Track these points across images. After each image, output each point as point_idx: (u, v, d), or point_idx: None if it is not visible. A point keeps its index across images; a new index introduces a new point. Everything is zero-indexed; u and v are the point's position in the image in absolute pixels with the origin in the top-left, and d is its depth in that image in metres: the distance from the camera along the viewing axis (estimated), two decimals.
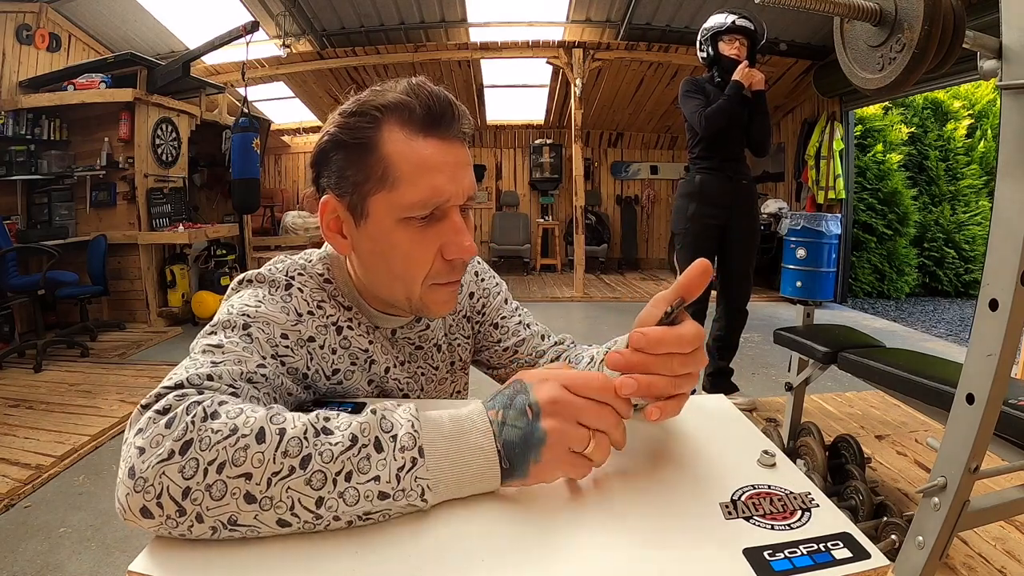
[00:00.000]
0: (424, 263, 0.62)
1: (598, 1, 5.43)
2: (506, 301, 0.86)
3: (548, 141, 7.63)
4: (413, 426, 0.44)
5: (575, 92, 5.88)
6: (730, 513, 0.45)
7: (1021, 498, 1.11)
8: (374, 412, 0.45)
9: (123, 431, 0.45)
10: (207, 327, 0.58)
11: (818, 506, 0.46)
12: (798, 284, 5.46)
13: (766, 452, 0.52)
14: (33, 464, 2.27)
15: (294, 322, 0.61)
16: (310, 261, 0.69)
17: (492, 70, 6.66)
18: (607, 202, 8.18)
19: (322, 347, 0.64)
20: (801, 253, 5.38)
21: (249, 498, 0.40)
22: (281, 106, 7.39)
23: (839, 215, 5.46)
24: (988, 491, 1.12)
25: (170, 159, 4.91)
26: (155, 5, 5.14)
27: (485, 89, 7.04)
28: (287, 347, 0.60)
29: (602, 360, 0.67)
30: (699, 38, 2.74)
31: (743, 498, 0.46)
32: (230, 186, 5.07)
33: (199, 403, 0.44)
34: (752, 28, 2.61)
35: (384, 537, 0.42)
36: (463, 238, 0.61)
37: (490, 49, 5.98)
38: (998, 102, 5.74)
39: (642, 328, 0.50)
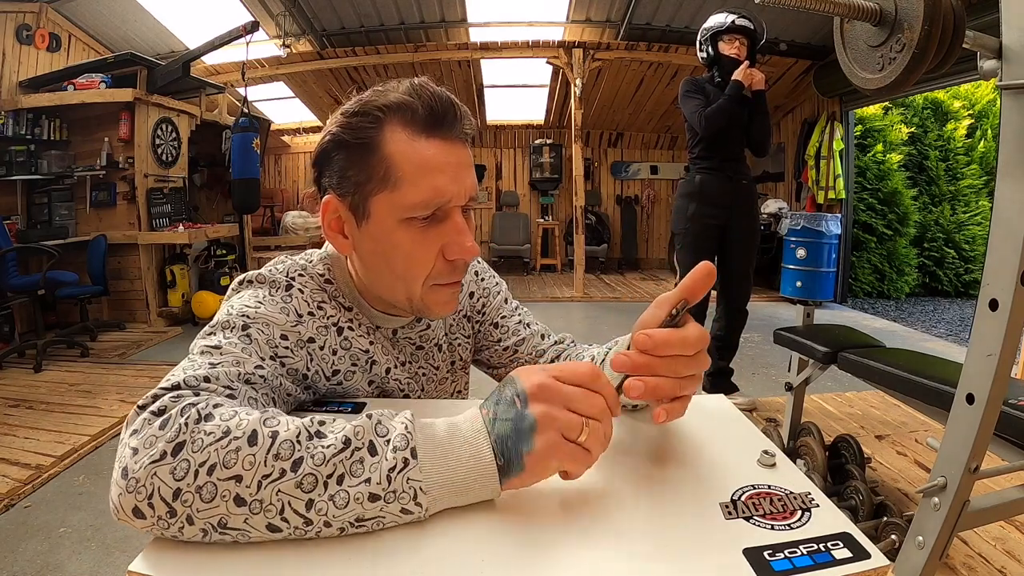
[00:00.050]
0: (426, 264, 0.62)
1: (598, 1, 5.43)
2: (506, 300, 0.86)
3: (548, 141, 7.63)
4: (407, 428, 0.44)
5: (575, 92, 5.88)
6: (730, 513, 0.45)
7: (1021, 498, 1.11)
8: (370, 417, 0.45)
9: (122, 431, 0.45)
10: (207, 328, 0.58)
11: (818, 506, 0.46)
12: (798, 284, 5.46)
13: (766, 452, 0.53)
14: (33, 464, 2.27)
15: (294, 323, 0.61)
16: (311, 261, 0.69)
17: (492, 70, 6.66)
18: (607, 202, 8.18)
19: (322, 348, 0.63)
20: (801, 253, 5.38)
21: (239, 501, 0.40)
22: (281, 106, 7.39)
23: (839, 215, 5.46)
24: (988, 491, 1.12)
25: (170, 159, 4.91)
26: (155, 5, 5.14)
27: (485, 89, 7.04)
28: (287, 348, 0.60)
29: (603, 360, 0.67)
30: (699, 38, 2.74)
31: (743, 498, 0.46)
32: (230, 186, 5.07)
33: (194, 405, 0.44)
34: (752, 28, 2.61)
35: (382, 545, 0.41)
36: (465, 239, 0.61)
37: (490, 49, 5.98)
38: (998, 102, 5.74)
39: (647, 330, 0.49)
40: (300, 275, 0.66)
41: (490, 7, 5.66)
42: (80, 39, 5.09)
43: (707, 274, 0.50)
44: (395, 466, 0.42)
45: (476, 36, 6.02)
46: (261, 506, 0.40)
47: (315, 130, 7.85)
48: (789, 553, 0.40)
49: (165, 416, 0.43)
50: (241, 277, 0.66)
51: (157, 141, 4.75)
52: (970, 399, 0.94)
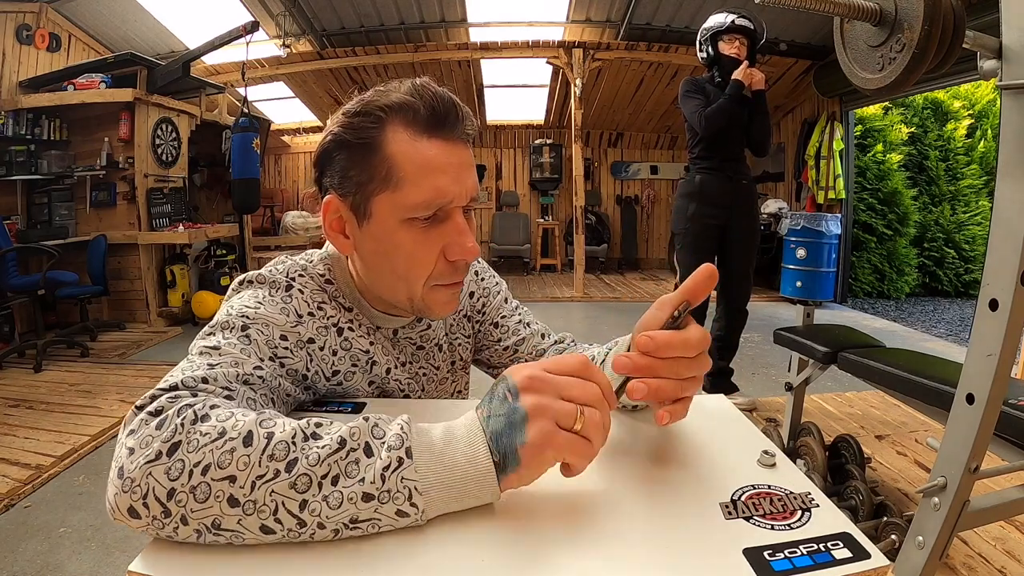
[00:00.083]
0: (427, 264, 0.62)
1: (598, 1, 5.43)
2: (506, 300, 0.86)
3: (548, 141, 7.63)
4: (402, 429, 0.43)
5: (575, 92, 5.88)
6: (730, 513, 0.45)
7: (1021, 498, 1.11)
8: (367, 419, 0.44)
9: None
10: (206, 328, 0.58)
11: (818, 506, 0.46)
12: (798, 284, 5.46)
13: (766, 452, 0.53)
14: (33, 464, 2.27)
15: (294, 323, 0.61)
16: (311, 262, 0.69)
17: (492, 70, 6.66)
18: (607, 202, 8.18)
19: (322, 349, 0.63)
20: (801, 253, 5.38)
21: (232, 501, 0.39)
22: (281, 106, 7.39)
23: (839, 215, 5.46)
24: (988, 491, 1.12)
25: (170, 159, 4.91)
26: (155, 5, 5.14)
27: (485, 89, 7.04)
28: (286, 348, 0.60)
29: (603, 360, 0.67)
30: (699, 38, 2.74)
31: (743, 498, 0.46)
32: (230, 186, 5.07)
33: (190, 406, 0.44)
34: (752, 28, 2.62)
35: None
36: (466, 239, 0.61)
37: (490, 49, 5.98)
38: (998, 102, 5.74)
39: (648, 332, 0.49)
40: (300, 275, 0.66)
41: (490, 7, 5.66)
42: (80, 39, 5.09)
43: (709, 276, 0.50)
44: (389, 465, 0.41)
45: (476, 36, 6.02)
46: (255, 507, 0.39)
47: (315, 130, 7.85)
48: (789, 553, 0.40)
49: (162, 416, 0.43)
50: (241, 277, 0.66)
51: (157, 141, 4.75)
52: (970, 399, 0.94)
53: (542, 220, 7.87)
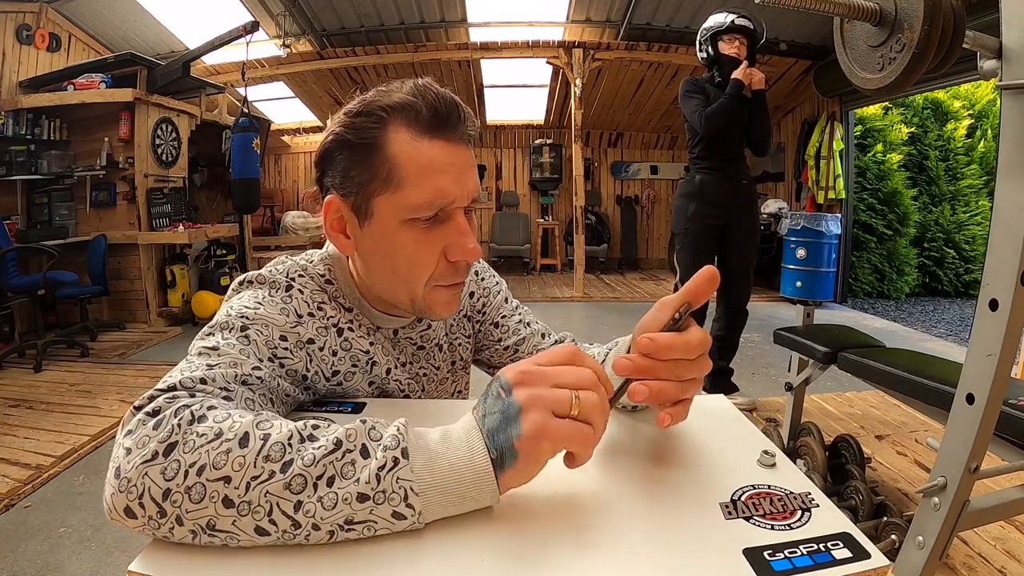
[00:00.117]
0: (428, 264, 0.62)
1: (598, 1, 5.43)
2: (506, 300, 0.86)
3: (548, 141, 7.63)
4: (399, 430, 0.43)
5: (575, 92, 5.89)
6: (730, 513, 0.45)
7: (1021, 498, 1.11)
8: (364, 422, 0.44)
9: None
10: (205, 328, 0.58)
11: (818, 506, 0.46)
12: (798, 284, 5.46)
13: (766, 452, 0.53)
14: (33, 464, 2.27)
15: (293, 324, 0.61)
16: (311, 262, 0.69)
17: (492, 70, 6.66)
18: (607, 202, 8.18)
19: (322, 349, 0.63)
20: (801, 253, 5.38)
21: (227, 502, 0.39)
22: (281, 106, 7.39)
23: (839, 215, 5.46)
24: (988, 491, 1.12)
25: (170, 159, 4.91)
26: (155, 5, 5.14)
27: (485, 89, 7.04)
28: (286, 349, 0.60)
29: (603, 360, 0.67)
30: (699, 38, 2.74)
31: (743, 498, 0.46)
32: (230, 186, 5.07)
33: (188, 407, 0.44)
34: (752, 28, 2.62)
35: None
36: (467, 240, 0.61)
37: (490, 49, 5.98)
38: (998, 102, 5.74)
39: (650, 334, 0.49)
40: (300, 276, 0.66)
41: (490, 7, 5.66)
42: (80, 39, 5.09)
43: (710, 278, 0.50)
44: (384, 465, 0.41)
45: (476, 36, 6.02)
46: (249, 508, 0.39)
47: (315, 130, 7.85)
48: (789, 553, 0.40)
49: (159, 417, 0.43)
50: (241, 278, 0.66)
51: (157, 141, 4.75)
52: (970, 399, 0.94)
53: (542, 220, 7.87)
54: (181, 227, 4.81)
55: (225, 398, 0.49)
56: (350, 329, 0.67)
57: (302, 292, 0.65)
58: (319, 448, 0.41)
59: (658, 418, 0.50)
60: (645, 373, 0.49)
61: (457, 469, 0.42)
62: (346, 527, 0.40)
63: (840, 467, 1.91)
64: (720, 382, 2.82)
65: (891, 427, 2.60)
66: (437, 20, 5.74)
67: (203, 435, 0.41)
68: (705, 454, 0.55)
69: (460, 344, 0.82)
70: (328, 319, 0.65)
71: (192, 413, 0.43)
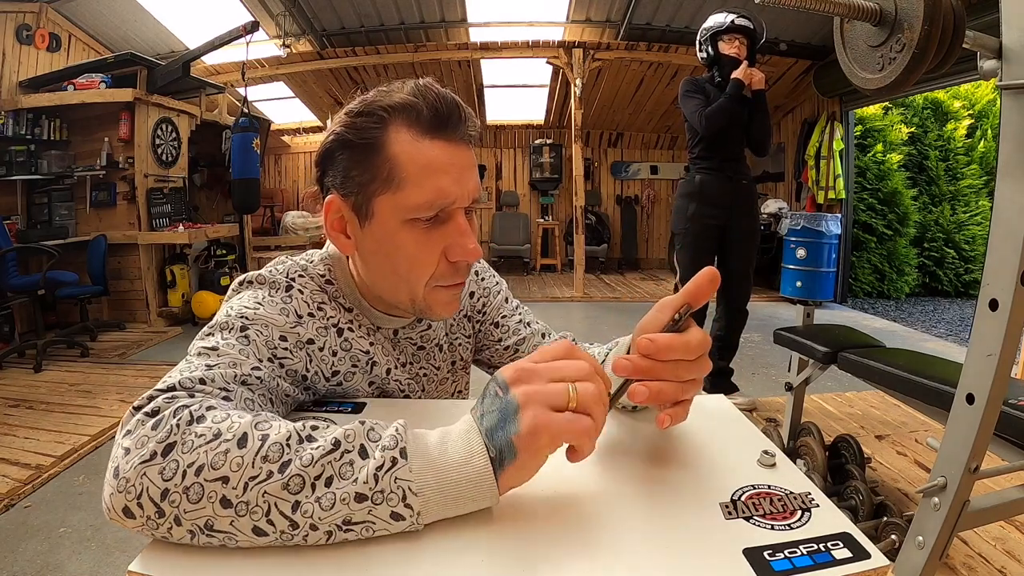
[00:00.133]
0: (428, 265, 0.62)
1: (598, 1, 5.43)
2: (506, 300, 0.86)
3: (548, 141, 7.63)
4: (397, 431, 0.43)
5: (575, 92, 5.89)
6: (730, 513, 0.45)
7: (1021, 498, 1.11)
8: (363, 423, 0.44)
9: None
10: (205, 328, 0.58)
11: (818, 506, 0.46)
12: (798, 284, 5.46)
13: (766, 452, 0.52)
14: (33, 464, 2.27)
15: (293, 324, 0.61)
16: (312, 262, 0.69)
17: (492, 70, 6.66)
18: (607, 202, 8.18)
19: (322, 349, 0.63)
20: (801, 253, 5.39)
21: (225, 502, 0.39)
22: (281, 106, 7.39)
23: (839, 215, 5.46)
24: (988, 491, 1.12)
25: (170, 159, 4.92)
26: (155, 5, 5.14)
27: (485, 89, 7.04)
28: (286, 349, 0.60)
29: (603, 360, 0.67)
30: (699, 38, 2.74)
31: (743, 498, 0.46)
32: (230, 186, 5.07)
33: (187, 407, 0.44)
34: (752, 27, 2.62)
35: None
36: (468, 240, 0.61)
37: (490, 49, 5.98)
38: (998, 102, 5.74)
39: (649, 335, 0.49)
40: (300, 276, 0.66)
41: (490, 7, 5.66)
42: (80, 39, 5.09)
43: (710, 280, 0.50)
44: (383, 465, 0.40)
45: (476, 36, 6.02)
46: (247, 508, 0.39)
47: (315, 130, 7.85)
48: (789, 553, 0.40)
49: (158, 417, 0.43)
50: (241, 278, 0.66)
51: (157, 141, 4.75)
52: (970, 399, 0.94)
53: (542, 220, 7.87)
54: (181, 227, 4.82)
55: (224, 398, 0.49)
56: (350, 329, 0.67)
57: (302, 292, 0.65)
58: (317, 448, 0.41)
59: (658, 419, 0.50)
60: (645, 374, 0.49)
61: (456, 469, 0.42)
62: (344, 528, 0.40)
63: (840, 467, 1.91)
64: (720, 382, 2.82)
65: (891, 427, 2.60)
66: (437, 20, 5.74)
67: (201, 435, 0.41)
68: (705, 454, 0.55)
69: (460, 344, 0.82)
70: (328, 319, 0.65)
71: (191, 414, 0.43)
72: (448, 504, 0.42)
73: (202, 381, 0.49)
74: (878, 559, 0.40)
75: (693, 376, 0.51)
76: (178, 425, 0.42)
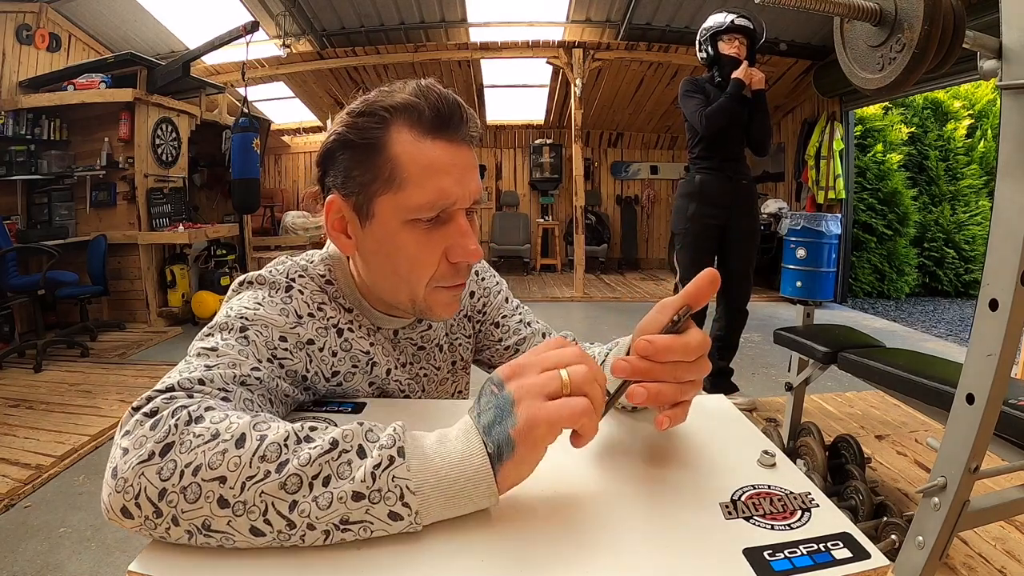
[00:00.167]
0: (429, 265, 0.62)
1: (598, 1, 5.43)
2: (507, 300, 0.86)
3: (548, 141, 7.63)
4: (395, 430, 0.43)
5: (575, 92, 5.89)
6: (730, 513, 0.45)
7: (1021, 498, 1.11)
8: (361, 424, 0.44)
9: None
10: (205, 329, 0.58)
11: (818, 506, 0.46)
12: (798, 284, 5.46)
13: (766, 452, 0.52)
14: (33, 464, 2.27)
15: (293, 324, 0.61)
16: (312, 262, 0.69)
17: (492, 70, 6.66)
18: (607, 202, 8.18)
19: (322, 350, 0.63)
20: (801, 253, 5.39)
21: (222, 502, 0.39)
22: (281, 106, 7.39)
23: (839, 215, 5.46)
24: (988, 491, 1.12)
25: (170, 159, 4.92)
26: (155, 5, 5.14)
27: (485, 89, 7.04)
28: (286, 350, 0.60)
29: (603, 360, 0.67)
30: (698, 38, 2.74)
31: (743, 498, 0.46)
32: (230, 186, 5.07)
33: (185, 407, 0.44)
34: (751, 27, 2.62)
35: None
36: (468, 241, 0.61)
37: (490, 49, 5.98)
38: (998, 102, 5.74)
39: (648, 336, 0.49)
40: (300, 276, 0.66)
41: (490, 7, 5.66)
42: (80, 39, 5.09)
43: (711, 281, 0.50)
44: (380, 463, 0.40)
45: (476, 36, 6.02)
46: (244, 508, 0.39)
47: (315, 130, 7.85)
48: (789, 553, 0.40)
49: (156, 417, 0.43)
50: (241, 278, 0.66)
51: (157, 141, 4.75)
52: (970, 399, 0.94)
53: (542, 220, 7.87)
54: (181, 227, 4.82)
55: (223, 399, 0.49)
56: (350, 330, 0.67)
57: (302, 293, 0.65)
58: (315, 448, 0.41)
59: (656, 420, 0.50)
60: (643, 375, 0.49)
61: (454, 466, 0.42)
62: (342, 527, 0.40)
63: (840, 467, 1.91)
64: (720, 382, 2.82)
65: (891, 427, 2.60)
66: (437, 20, 5.74)
67: (200, 436, 0.41)
68: (705, 454, 0.55)
69: (460, 344, 0.82)
70: (328, 320, 0.65)
71: (189, 414, 0.43)
72: (447, 503, 0.42)
73: (201, 382, 0.49)
74: (878, 559, 0.40)
75: (692, 377, 0.51)
76: (176, 425, 0.42)
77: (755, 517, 0.44)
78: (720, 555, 0.40)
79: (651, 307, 0.53)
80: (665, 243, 8.14)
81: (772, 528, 0.43)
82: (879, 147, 6.00)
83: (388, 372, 0.69)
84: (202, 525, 0.39)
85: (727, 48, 2.63)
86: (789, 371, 2.12)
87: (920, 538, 1.02)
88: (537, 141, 7.72)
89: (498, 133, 8.00)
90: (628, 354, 0.53)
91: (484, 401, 0.45)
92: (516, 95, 7.36)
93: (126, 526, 0.40)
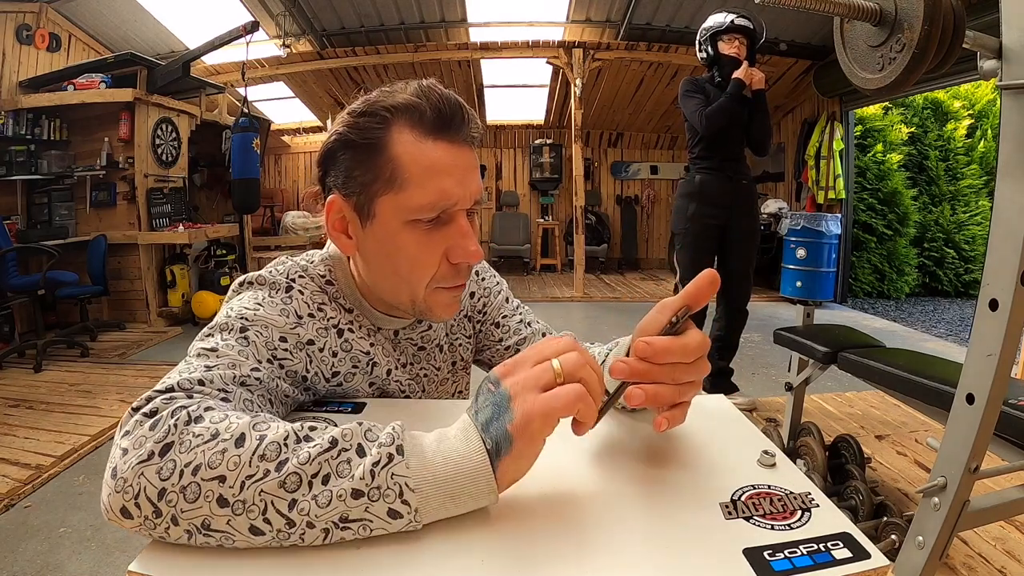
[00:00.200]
0: (430, 266, 0.62)
1: (598, 1, 5.43)
2: (507, 300, 0.86)
3: (548, 141, 7.63)
4: (394, 429, 0.43)
5: (575, 92, 5.89)
6: (730, 513, 0.45)
7: (1021, 498, 1.11)
8: (360, 424, 0.44)
9: None
10: (205, 329, 0.58)
11: (818, 506, 0.46)
12: (798, 284, 5.46)
13: (766, 452, 0.52)
14: (33, 464, 2.27)
15: (293, 325, 0.61)
16: (312, 262, 0.69)
17: (492, 70, 6.66)
18: (607, 202, 8.18)
19: (322, 350, 0.63)
20: (801, 253, 5.39)
21: (222, 502, 0.39)
22: (281, 106, 7.39)
23: (839, 215, 5.46)
24: (988, 491, 1.12)
25: (170, 159, 4.92)
26: (155, 5, 5.14)
27: (485, 89, 7.04)
28: (286, 350, 0.60)
29: (603, 360, 0.67)
30: (698, 38, 2.74)
31: (743, 498, 0.46)
32: (230, 186, 5.07)
33: (185, 407, 0.44)
34: (751, 28, 2.62)
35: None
36: (469, 242, 0.61)
37: (490, 49, 5.98)
38: (998, 102, 5.74)
39: (647, 337, 0.49)
40: (300, 276, 0.66)
41: (490, 7, 5.66)
42: (80, 39, 5.09)
43: (710, 282, 0.50)
44: (379, 461, 0.40)
45: (476, 36, 6.02)
46: (243, 507, 0.39)
47: (315, 130, 7.85)
48: (789, 553, 0.40)
49: (156, 418, 0.43)
50: (241, 279, 0.66)
51: (157, 141, 4.75)
52: (970, 399, 0.94)
53: (542, 220, 7.88)
54: (181, 227, 4.82)
55: (223, 399, 0.49)
56: (350, 330, 0.67)
57: (302, 293, 0.65)
58: (314, 447, 0.41)
59: (655, 422, 0.50)
60: (642, 377, 0.49)
61: (453, 464, 0.42)
62: (341, 525, 0.40)
63: (840, 467, 1.91)
64: (720, 382, 2.82)
65: (891, 427, 2.60)
66: (437, 20, 5.74)
67: (199, 435, 0.42)
68: (705, 454, 0.55)
69: (461, 344, 0.82)
70: (328, 320, 0.65)
71: (189, 414, 0.43)
72: (446, 501, 0.42)
73: (201, 382, 0.49)
74: (878, 559, 0.40)
75: (691, 379, 0.50)
76: (176, 425, 0.42)
77: (755, 517, 0.44)
78: (720, 555, 0.40)
79: (651, 307, 0.53)
80: (665, 243, 8.14)
81: (772, 528, 0.43)
82: (879, 147, 6.00)
83: (388, 372, 0.69)
84: (202, 525, 0.39)
85: (727, 48, 2.63)
86: (789, 371, 2.12)
87: (920, 538, 1.02)
88: (537, 141, 7.72)
89: (498, 133, 8.00)
90: (628, 355, 0.53)
91: (481, 399, 0.45)
92: (516, 95, 7.37)
93: (126, 526, 0.40)
